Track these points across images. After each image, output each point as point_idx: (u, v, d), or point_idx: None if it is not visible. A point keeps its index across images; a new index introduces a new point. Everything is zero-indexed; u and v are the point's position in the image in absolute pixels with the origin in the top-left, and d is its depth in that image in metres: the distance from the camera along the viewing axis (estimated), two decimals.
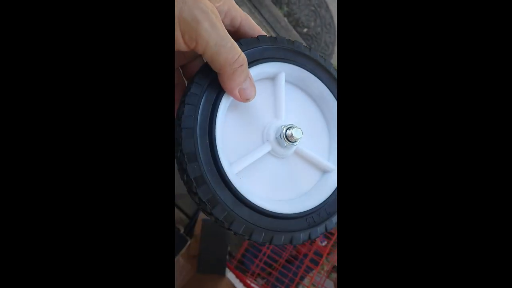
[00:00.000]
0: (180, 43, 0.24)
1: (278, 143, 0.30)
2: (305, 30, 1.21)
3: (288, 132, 0.29)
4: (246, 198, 0.27)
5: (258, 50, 0.30)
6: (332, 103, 0.33)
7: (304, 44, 0.33)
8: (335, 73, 0.33)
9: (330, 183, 0.32)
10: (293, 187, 0.31)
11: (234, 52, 0.25)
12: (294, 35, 1.33)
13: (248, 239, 0.27)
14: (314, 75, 0.32)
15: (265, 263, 0.99)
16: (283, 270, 0.96)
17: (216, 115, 0.27)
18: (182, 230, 1.07)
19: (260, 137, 0.30)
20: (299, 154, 0.32)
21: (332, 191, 0.31)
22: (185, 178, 0.26)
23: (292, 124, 0.29)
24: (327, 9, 1.21)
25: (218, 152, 0.26)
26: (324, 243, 0.99)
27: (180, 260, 1.02)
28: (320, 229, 0.29)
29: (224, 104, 0.28)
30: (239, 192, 0.26)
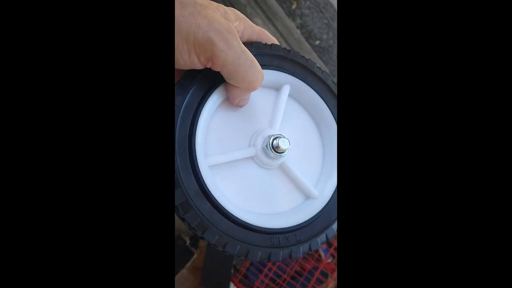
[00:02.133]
0: (195, 64, 0.24)
1: (264, 151, 0.29)
2: (317, 42, 1.21)
3: (275, 142, 0.28)
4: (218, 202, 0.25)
5: (269, 57, 0.29)
6: (333, 129, 0.32)
7: (318, 65, 0.33)
8: None
9: (310, 210, 0.30)
10: (269, 202, 0.30)
11: (253, 70, 0.25)
12: (306, 47, 1.33)
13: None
14: (321, 97, 0.31)
15: (269, 278, 0.97)
16: (287, 287, 0.94)
17: (199, 117, 0.26)
18: (188, 242, 1.05)
19: (248, 141, 0.29)
20: (285, 171, 0.30)
21: (308, 218, 0.29)
22: None
23: (280, 134, 0.28)
24: None
25: (197, 151, 0.25)
26: (329, 260, 0.97)
27: (183, 272, 1.00)
28: (283, 253, 0.27)
29: (211, 104, 0.27)
30: (209, 191, 0.25)
